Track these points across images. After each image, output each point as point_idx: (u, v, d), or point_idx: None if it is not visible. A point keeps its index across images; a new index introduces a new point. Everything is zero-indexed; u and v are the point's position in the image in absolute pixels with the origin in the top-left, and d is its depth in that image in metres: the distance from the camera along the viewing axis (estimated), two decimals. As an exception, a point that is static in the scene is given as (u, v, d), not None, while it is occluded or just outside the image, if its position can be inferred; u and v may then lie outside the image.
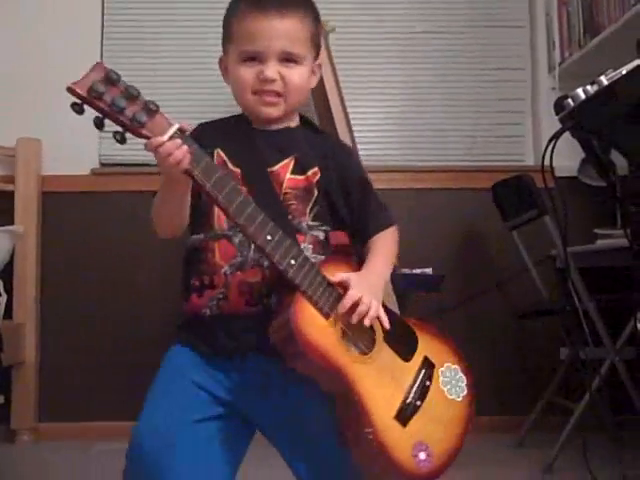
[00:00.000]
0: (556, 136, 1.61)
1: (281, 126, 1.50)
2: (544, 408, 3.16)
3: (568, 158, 1.84)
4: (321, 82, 2.96)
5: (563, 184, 1.77)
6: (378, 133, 3.73)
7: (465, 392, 1.46)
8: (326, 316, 1.31)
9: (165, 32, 3.78)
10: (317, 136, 1.56)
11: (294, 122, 1.53)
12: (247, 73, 1.43)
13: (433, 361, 1.45)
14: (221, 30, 1.53)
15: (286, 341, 1.29)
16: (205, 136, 1.46)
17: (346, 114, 2.92)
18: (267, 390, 1.40)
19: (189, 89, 3.74)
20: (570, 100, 1.60)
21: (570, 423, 2.74)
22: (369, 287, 1.35)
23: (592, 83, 1.58)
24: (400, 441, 1.34)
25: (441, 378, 1.44)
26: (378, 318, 1.36)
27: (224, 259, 1.40)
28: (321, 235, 1.45)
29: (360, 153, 2.95)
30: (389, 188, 3.49)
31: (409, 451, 1.34)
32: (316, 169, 1.47)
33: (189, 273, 1.46)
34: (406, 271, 3.09)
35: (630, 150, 1.66)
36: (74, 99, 1.25)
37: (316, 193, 1.46)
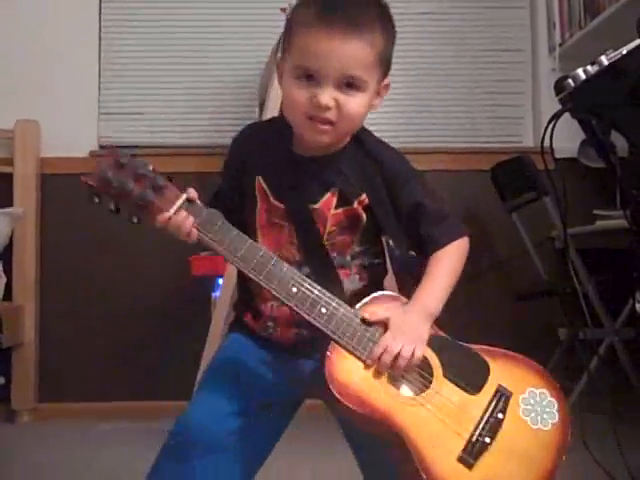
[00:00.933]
0: (556, 117, 1.60)
1: (327, 152, 1.37)
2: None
3: (568, 139, 1.84)
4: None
5: (563, 165, 1.77)
6: (376, 114, 3.69)
7: (556, 419, 1.32)
8: (364, 362, 1.25)
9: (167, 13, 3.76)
10: (365, 156, 1.40)
11: (343, 143, 1.39)
12: (300, 94, 1.28)
13: (510, 389, 1.32)
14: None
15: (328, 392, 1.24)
16: (248, 149, 1.43)
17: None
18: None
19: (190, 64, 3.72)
20: (570, 80, 1.60)
21: (568, 403, 2.74)
22: (408, 329, 1.27)
23: (592, 63, 1.57)
24: None
25: (522, 407, 1.31)
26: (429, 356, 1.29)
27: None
28: (366, 260, 1.39)
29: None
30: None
31: None
32: (363, 196, 1.36)
33: (243, 290, 1.45)
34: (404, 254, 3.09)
35: (630, 131, 1.65)
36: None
37: (364, 219, 1.37)
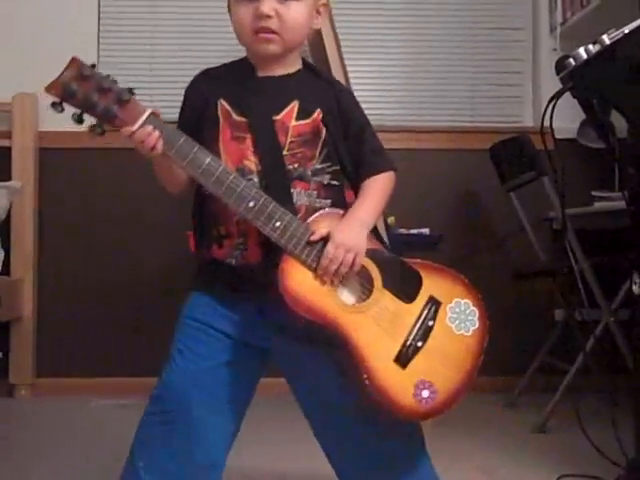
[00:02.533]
0: (556, 96, 1.60)
1: (284, 72, 1.50)
2: (537, 369, 3.19)
3: (567, 120, 1.83)
4: (319, 38, 2.93)
5: (562, 146, 1.77)
6: (376, 92, 3.71)
7: (477, 325, 1.46)
8: (314, 271, 1.35)
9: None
10: (320, 79, 1.55)
11: (296, 66, 1.52)
12: (245, 12, 1.42)
13: (440, 299, 1.44)
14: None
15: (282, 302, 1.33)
16: (208, 84, 1.51)
17: (345, 72, 2.90)
18: (286, 335, 1.44)
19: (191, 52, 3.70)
20: (572, 60, 1.59)
21: (563, 384, 2.76)
22: (348, 239, 1.37)
23: (594, 43, 1.56)
24: (400, 382, 1.36)
25: (449, 314, 1.44)
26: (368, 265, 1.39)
27: None
28: (326, 179, 1.45)
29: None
30: (387, 148, 3.47)
31: (410, 391, 1.36)
32: (319, 110, 1.47)
33: (203, 223, 1.49)
34: (403, 231, 3.10)
35: (630, 111, 1.65)
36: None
37: (324, 134, 1.47)
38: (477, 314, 1.47)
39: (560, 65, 1.64)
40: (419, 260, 1.47)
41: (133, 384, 3.14)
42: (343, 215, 1.42)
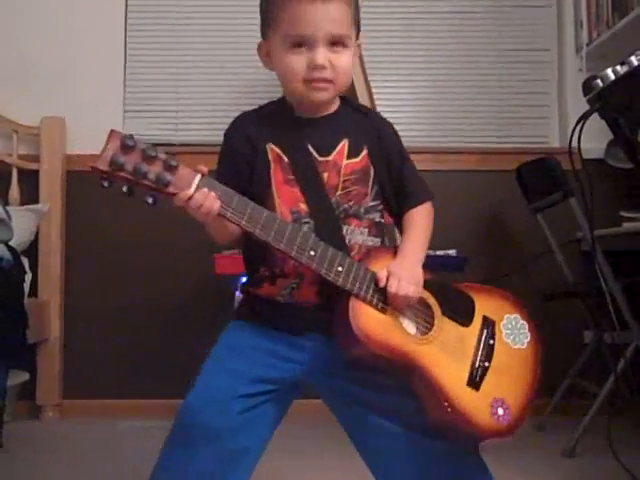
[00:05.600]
0: (585, 117, 1.58)
1: (325, 113, 1.50)
2: (567, 391, 3.15)
3: (595, 140, 1.82)
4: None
5: (590, 166, 1.75)
6: (402, 114, 3.71)
7: (529, 337, 1.51)
8: (382, 310, 1.37)
9: (193, 5, 3.78)
10: (360, 114, 1.55)
11: (335, 105, 1.53)
12: (297, 61, 1.41)
13: (493, 318, 1.49)
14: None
15: (349, 342, 1.35)
16: (253, 127, 1.50)
17: (370, 94, 2.91)
18: (332, 372, 1.44)
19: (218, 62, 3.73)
20: (599, 81, 1.58)
21: (594, 407, 2.72)
22: (406, 275, 1.39)
23: (622, 64, 1.55)
24: (477, 404, 1.40)
25: (504, 331, 1.49)
26: (426, 297, 1.43)
27: None
28: (377, 216, 1.48)
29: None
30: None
31: (488, 411, 1.40)
32: (366, 147, 1.49)
33: (255, 262, 1.48)
34: (430, 252, 3.08)
35: (659, 132, 1.63)
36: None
37: (372, 172, 1.48)
38: (527, 326, 1.52)
39: (587, 86, 1.63)
40: (466, 283, 1.52)
41: (159, 406, 3.14)
42: (394, 252, 1.45)
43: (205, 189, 1.26)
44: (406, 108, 3.74)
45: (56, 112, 3.50)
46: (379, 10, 3.70)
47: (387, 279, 1.37)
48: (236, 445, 1.40)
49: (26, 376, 3.31)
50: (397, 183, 1.52)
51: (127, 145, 1.23)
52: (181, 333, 3.44)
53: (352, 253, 1.42)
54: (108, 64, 3.65)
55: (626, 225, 3.09)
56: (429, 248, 3.07)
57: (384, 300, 1.37)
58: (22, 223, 3.24)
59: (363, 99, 2.82)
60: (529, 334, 1.51)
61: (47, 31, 3.64)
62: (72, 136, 3.54)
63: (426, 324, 1.42)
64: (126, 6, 3.72)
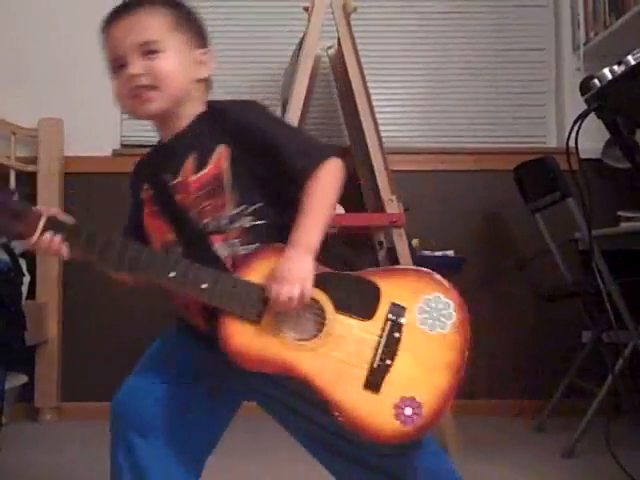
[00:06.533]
0: (582, 117, 1.59)
1: (177, 131, 1.44)
2: (565, 392, 3.15)
3: (592, 140, 1.82)
4: (342, 62, 2.94)
5: (587, 166, 1.75)
6: (400, 114, 3.71)
7: (454, 318, 1.33)
8: (256, 321, 1.29)
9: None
10: (217, 114, 1.45)
11: (188, 119, 1.45)
12: (119, 83, 1.41)
13: (403, 304, 1.32)
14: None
15: (231, 361, 1.29)
16: (133, 177, 1.53)
17: (368, 95, 2.90)
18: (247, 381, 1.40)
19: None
20: (596, 80, 1.58)
21: (592, 407, 2.72)
22: (290, 273, 1.28)
23: (619, 63, 1.55)
24: (376, 408, 1.28)
25: (418, 317, 1.32)
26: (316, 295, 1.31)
27: None
28: (246, 221, 1.36)
29: (382, 135, 2.94)
30: (411, 170, 3.49)
31: (390, 413, 1.27)
32: (220, 148, 1.39)
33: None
34: (427, 253, 3.08)
35: (657, 131, 1.63)
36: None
37: (227, 176, 1.37)
38: (452, 305, 1.34)
39: (585, 86, 1.63)
40: (372, 269, 1.37)
41: (158, 408, 3.13)
42: (277, 248, 1.32)
43: (47, 234, 1.30)
44: (403, 108, 3.74)
45: (54, 114, 3.50)
46: (377, 10, 3.71)
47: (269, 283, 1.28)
48: (171, 442, 1.41)
49: (24, 378, 3.31)
50: (277, 165, 1.36)
51: None
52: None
53: (227, 267, 1.34)
54: (106, 66, 3.64)
55: (624, 225, 3.10)
56: (427, 248, 3.06)
57: (257, 310, 1.28)
58: (20, 225, 3.23)
59: (361, 100, 2.82)
60: (454, 314, 1.33)
61: (45, 32, 3.63)
62: (70, 138, 3.53)
63: (317, 325, 1.30)
64: (123, 8, 3.72)
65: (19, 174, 3.51)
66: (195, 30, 1.48)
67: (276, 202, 1.38)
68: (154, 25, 1.40)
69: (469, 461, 1.80)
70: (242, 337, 1.28)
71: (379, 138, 2.83)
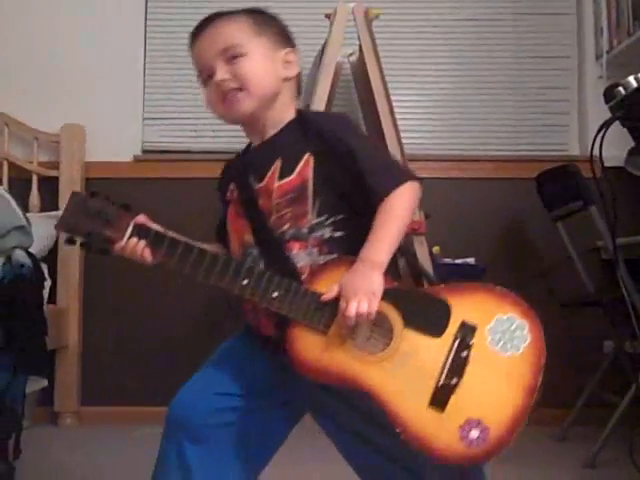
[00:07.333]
0: (607, 125, 1.57)
1: (268, 136, 1.48)
2: (587, 402, 3.12)
3: (615, 148, 1.80)
4: (364, 69, 2.94)
5: (610, 174, 1.73)
6: (421, 122, 3.70)
7: (528, 340, 1.31)
8: (324, 332, 1.30)
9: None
10: (305, 123, 1.47)
11: (280, 124, 1.48)
12: (210, 92, 1.46)
13: (474, 323, 1.30)
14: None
15: (297, 371, 1.31)
16: (224, 175, 1.58)
17: (389, 102, 2.90)
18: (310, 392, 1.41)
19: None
20: (621, 88, 1.57)
21: (614, 417, 2.69)
22: (359, 287, 1.27)
23: (644, 71, 1.54)
24: (442, 427, 1.26)
25: (489, 337, 1.30)
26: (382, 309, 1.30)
27: None
28: (327, 232, 1.38)
29: (403, 141, 2.94)
30: (432, 177, 3.47)
31: (456, 435, 1.26)
32: (307, 157, 1.40)
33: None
34: (448, 261, 3.07)
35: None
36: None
37: (311, 185, 1.39)
38: (527, 326, 1.32)
39: (609, 94, 1.62)
40: (444, 285, 1.36)
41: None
42: (346, 260, 1.33)
43: (134, 239, 1.36)
44: (425, 116, 3.73)
45: (76, 120, 3.52)
46: (398, 17, 3.70)
47: (337, 296, 1.28)
48: (227, 452, 1.44)
49: (44, 383, 3.31)
50: (358, 181, 1.37)
51: (78, 205, 1.41)
52: (199, 341, 3.43)
53: (303, 277, 1.35)
54: (128, 72, 3.67)
55: (647, 233, 3.06)
56: (448, 256, 3.05)
57: (327, 320, 1.29)
58: (42, 230, 3.24)
59: (382, 107, 2.82)
60: (529, 336, 1.31)
61: (68, 40, 3.66)
62: (92, 143, 3.55)
63: (385, 339, 1.30)
64: (145, 15, 3.75)
65: (41, 179, 3.54)
66: (276, 31, 1.52)
67: (356, 216, 1.39)
68: (234, 31, 1.45)
69: (489, 470, 1.77)
70: (308, 346, 1.30)
71: (401, 145, 2.83)
